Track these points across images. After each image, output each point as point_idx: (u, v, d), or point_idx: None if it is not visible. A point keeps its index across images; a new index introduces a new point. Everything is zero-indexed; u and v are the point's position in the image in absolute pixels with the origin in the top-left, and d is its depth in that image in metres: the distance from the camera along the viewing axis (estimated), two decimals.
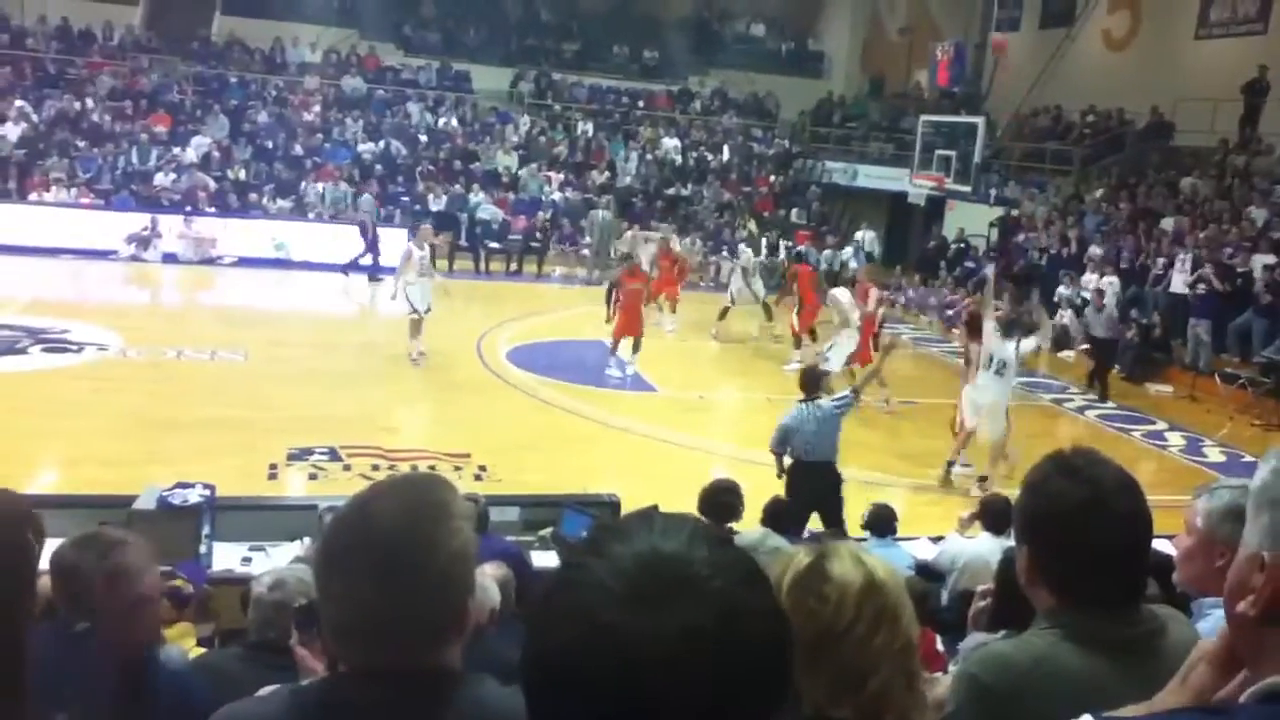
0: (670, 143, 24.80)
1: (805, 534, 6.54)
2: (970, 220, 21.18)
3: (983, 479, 9.35)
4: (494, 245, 20.11)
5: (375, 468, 8.44)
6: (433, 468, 8.34)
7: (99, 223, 18.03)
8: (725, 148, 25.22)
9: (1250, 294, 14.24)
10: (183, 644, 3.30)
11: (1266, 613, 1.09)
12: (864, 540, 6.03)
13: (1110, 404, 13.45)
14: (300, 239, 18.76)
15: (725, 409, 12.56)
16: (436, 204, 20.58)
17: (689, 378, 13.22)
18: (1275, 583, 1.08)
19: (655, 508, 1.01)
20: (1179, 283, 15.16)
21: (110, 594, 2.04)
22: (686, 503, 5.53)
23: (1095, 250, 16.93)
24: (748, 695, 0.86)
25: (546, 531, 6.24)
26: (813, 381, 7.67)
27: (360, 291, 17.60)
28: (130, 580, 2.08)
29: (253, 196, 20.09)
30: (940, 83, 23.62)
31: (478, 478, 8.49)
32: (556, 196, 22.23)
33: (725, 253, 21.07)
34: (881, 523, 6.34)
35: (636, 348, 12.77)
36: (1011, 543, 2.30)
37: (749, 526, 5.83)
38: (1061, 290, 16.63)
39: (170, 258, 17.90)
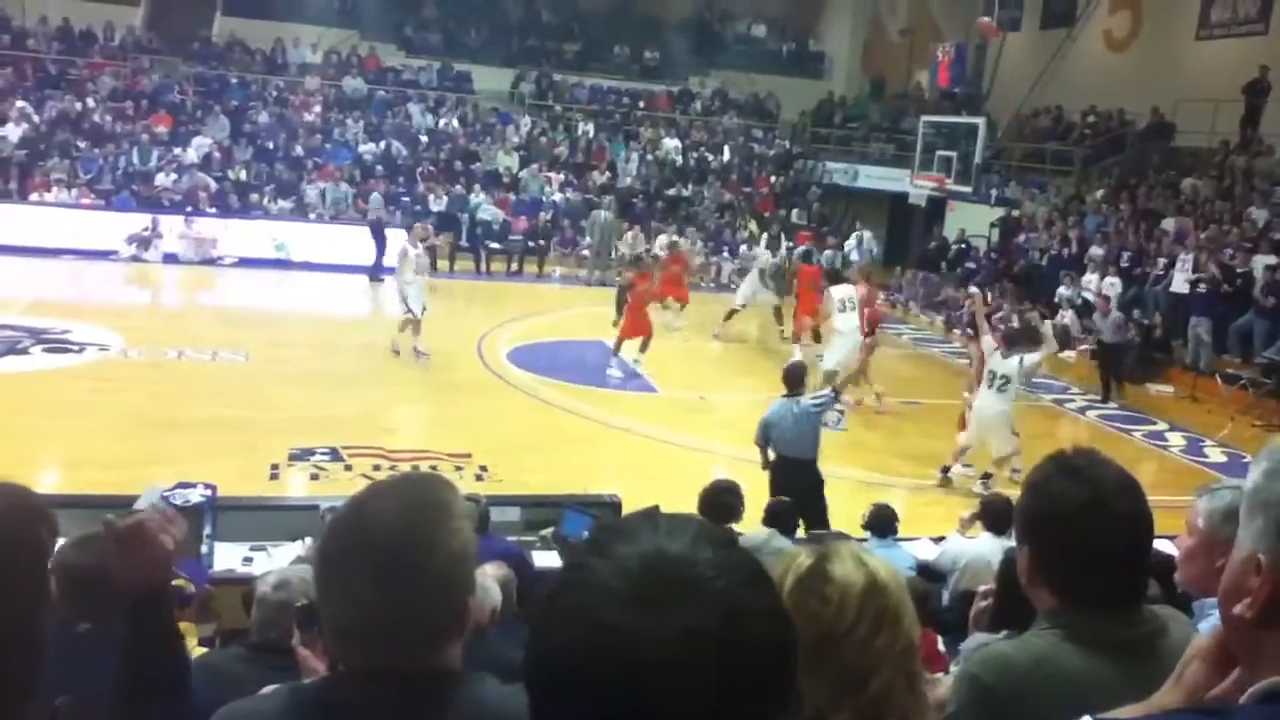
0: (671, 143, 24.75)
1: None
2: (971, 221, 21.17)
3: (986, 476, 9.35)
4: (495, 246, 20.07)
5: (376, 468, 8.43)
6: (434, 468, 8.33)
7: (100, 223, 18.01)
8: (726, 148, 25.17)
9: (1251, 295, 14.24)
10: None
11: (1263, 615, 1.08)
12: (865, 541, 6.03)
13: (1111, 404, 13.46)
14: (301, 240, 18.73)
15: (726, 409, 12.54)
16: (437, 205, 20.53)
17: (690, 378, 13.21)
18: (1272, 585, 1.07)
19: (656, 508, 1.00)
20: (1180, 283, 15.17)
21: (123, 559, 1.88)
22: (687, 503, 5.52)
23: (1096, 251, 16.92)
24: (751, 696, 0.86)
25: (547, 532, 6.26)
26: (795, 378, 7.71)
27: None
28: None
29: (253, 197, 20.06)
30: (941, 83, 23.59)
31: (479, 478, 8.49)
32: (557, 197, 22.19)
33: (726, 253, 21.08)
34: (883, 523, 6.34)
35: (645, 347, 12.85)
36: (1012, 543, 2.30)
37: (749, 527, 5.84)
38: (1062, 291, 16.67)
39: (171, 258, 17.89)
